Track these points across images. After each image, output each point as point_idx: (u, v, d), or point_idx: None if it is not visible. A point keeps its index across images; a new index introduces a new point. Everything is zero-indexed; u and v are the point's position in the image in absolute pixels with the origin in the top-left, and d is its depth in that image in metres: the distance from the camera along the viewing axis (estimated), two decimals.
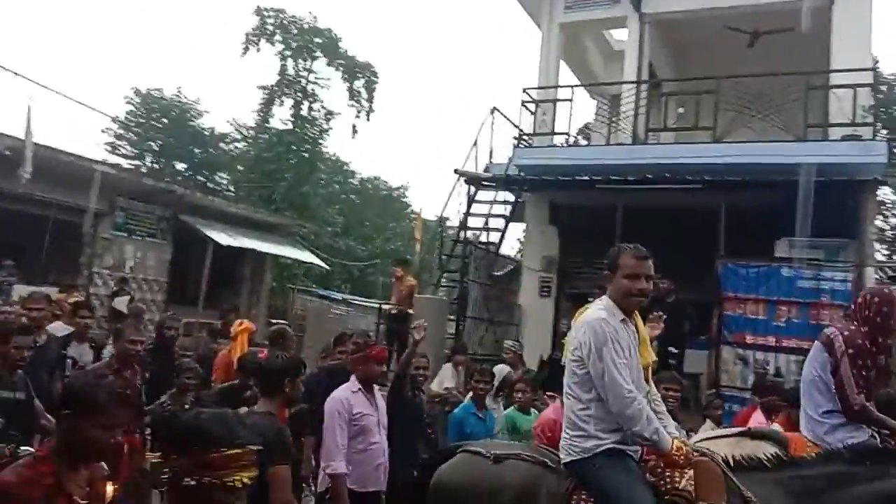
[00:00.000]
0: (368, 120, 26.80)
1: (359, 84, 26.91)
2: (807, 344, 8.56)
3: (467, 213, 12.14)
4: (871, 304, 3.84)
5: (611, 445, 3.08)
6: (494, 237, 12.62)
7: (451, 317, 10.93)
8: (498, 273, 12.25)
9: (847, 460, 3.15)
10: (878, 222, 20.35)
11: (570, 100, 12.02)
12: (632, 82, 11.79)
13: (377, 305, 15.31)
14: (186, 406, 5.01)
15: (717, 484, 3.07)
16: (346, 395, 4.41)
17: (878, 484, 2.99)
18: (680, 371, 9.04)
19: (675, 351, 9.23)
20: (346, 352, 5.41)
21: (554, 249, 11.74)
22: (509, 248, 16.05)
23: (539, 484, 3.28)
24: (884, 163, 9.50)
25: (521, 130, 12.14)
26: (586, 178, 10.41)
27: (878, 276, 8.99)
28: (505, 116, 12.37)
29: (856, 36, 10.40)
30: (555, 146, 11.99)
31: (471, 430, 5.27)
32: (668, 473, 3.13)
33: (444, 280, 12.20)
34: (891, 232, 20.46)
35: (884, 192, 19.75)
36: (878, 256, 18.44)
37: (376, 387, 4.66)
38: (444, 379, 7.50)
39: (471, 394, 5.79)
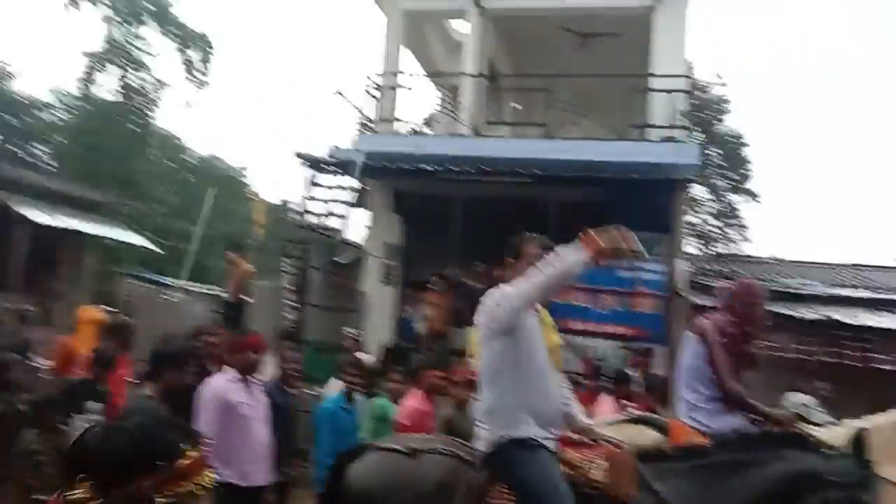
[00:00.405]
0: (202, 92, 25.47)
1: (193, 55, 25.45)
2: (626, 330, 9.46)
3: (309, 198, 11.93)
4: (738, 296, 4.16)
5: (525, 437, 3.07)
6: (337, 223, 12.51)
7: (292, 304, 10.71)
8: (341, 260, 12.15)
9: (742, 447, 3.21)
10: (692, 218, 22.51)
11: (411, 88, 12.19)
12: (470, 75, 12.10)
13: (214, 292, 14.70)
14: (22, 407, 4.60)
15: (628, 474, 3.17)
16: (222, 383, 4.26)
17: (779, 465, 3.06)
18: None
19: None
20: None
21: (397, 237, 11.85)
22: (354, 234, 15.97)
23: (457, 478, 3.23)
24: (695, 164, 10.46)
25: (364, 116, 12.10)
26: (428, 167, 10.59)
27: (688, 268, 9.89)
28: (349, 101, 12.27)
29: (673, 43, 11.26)
30: (398, 134, 12.08)
31: (340, 423, 5.19)
32: (583, 467, 3.19)
33: (284, 266, 11.93)
34: (703, 227, 22.62)
35: (696, 190, 21.87)
36: (692, 249, 20.43)
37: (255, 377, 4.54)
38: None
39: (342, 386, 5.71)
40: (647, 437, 3.97)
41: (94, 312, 6.60)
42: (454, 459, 3.30)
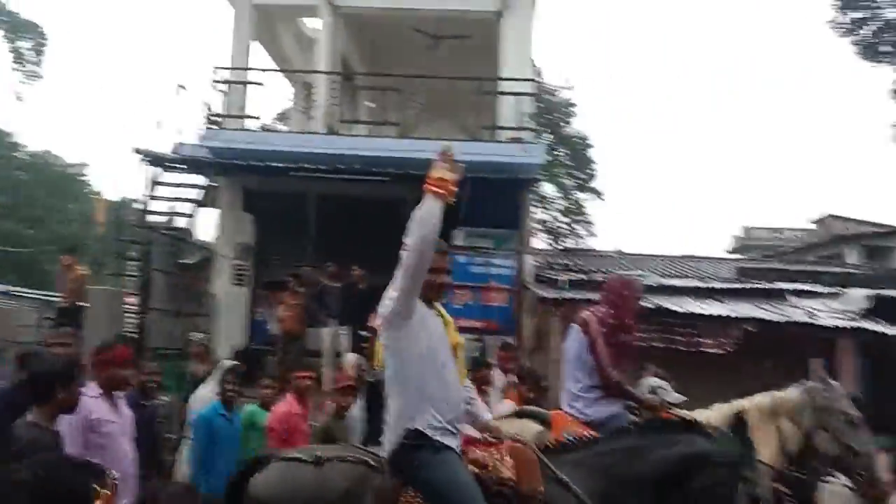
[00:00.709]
0: (35, 85, 23.39)
1: (24, 45, 23.32)
2: (479, 324, 9.69)
3: (151, 197, 11.25)
4: (615, 289, 4.30)
5: (426, 430, 2.99)
6: (183, 223, 11.91)
7: (135, 309, 10.07)
8: (188, 261, 11.57)
9: (636, 434, 3.32)
10: (542, 214, 23.48)
11: (262, 84, 11.81)
12: (323, 72, 11.92)
13: (47, 298, 13.55)
14: None
15: (535, 469, 3.15)
16: (85, 400, 3.85)
17: (670, 449, 3.17)
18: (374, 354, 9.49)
19: (367, 335, 9.64)
20: None
21: (249, 236, 11.45)
22: (203, 234, 15.25)
23: (365, 484, 3.11)
24: (541, 163, 10.89)
25: (211, 111, 11.57)
26: (280, 164, 10.31)
27: (535, 263, 10.29)
28: (195, 96, 11.70)
29: (520, 48, 11.66)
30: (249, 130, 11.67)
31: (218, 431, 4.91)
32: (490, 465, 3.13)
33: (126, 269, 11.20)
34: (553, 223, 23.67)
35: (545, 189, 22.87)
36: (541, 244, 21.34)
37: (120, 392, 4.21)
38: None
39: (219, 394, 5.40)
40: (531, 430, 4.07)
41: None
42: (361, 466, 3.19)
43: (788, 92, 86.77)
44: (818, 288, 8.95)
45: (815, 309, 8.21)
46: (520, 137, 10.74)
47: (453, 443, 3.08)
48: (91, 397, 3.99)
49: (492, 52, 11.79)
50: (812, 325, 8.01)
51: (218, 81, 11.46)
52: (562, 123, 23.26)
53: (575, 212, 23.27)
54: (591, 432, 3.60)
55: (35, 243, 24.66)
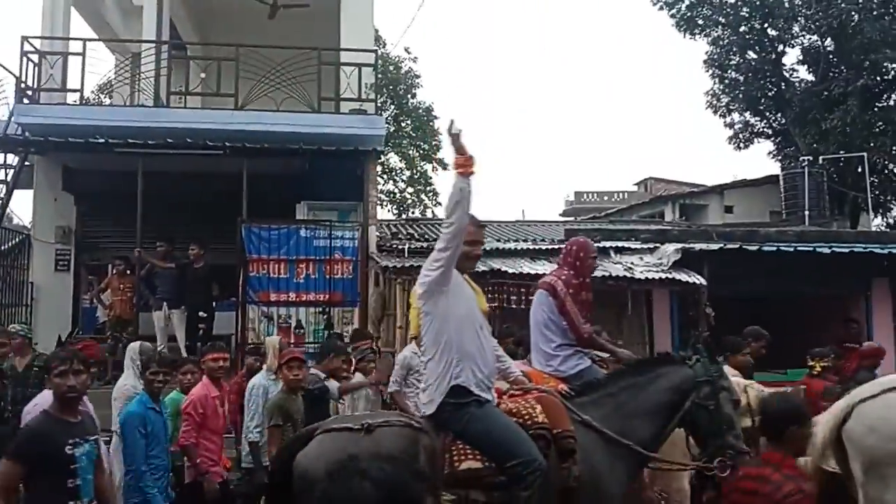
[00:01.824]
0: None
1: None
2: (323, 296, 9.63)
3: None
4: (572, 252, 4.56)
5: (467, 385, 3.29)
6: None
7: None
8: (1, 248, 10.57)
9: (631, 373, 3.92)
10: (389, 186, 23.53)
11: (83, 54, 10.87)
12: (151, 42, 11.17)
13: None
14: None
15: (563, 414, 3.54)
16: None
17: (664, 380, 3.83)
18: (210, 334, 9.17)
19: (205, 315, 9.30)
20: None
21: (70, 218, 10.65)
22: (19, 218, 13.94)
23: (416, 444, 3.24)
24: (382, 134, 10.88)
25: (23, 84, 10.51)
26: (102, 140, 9.59)
27: (379, 233, 10.33)
28: (3, 67, 10.56)
29: (361, 19, 11.50)
30: (68, 104, 10.74)
31: (151, 425, 4.55)
32: (525, 413, 3.46)
33: None
34: (399, 194, 23.77)
35: (391, 160, 22.91)
36: (388, 215, 21.41)
37: None
38: None
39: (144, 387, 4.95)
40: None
41: None
42: (407, 428, 3.31)
43: (615, 64, 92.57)
44: (636, 244, 9.71)
45: (632, 264, 8.92)
46: (362, 109, 10.66)
47: (490, 396, 3.43)
48: None
49: (332, 22, 11.57)
50: (628, 278, 8.71)
51: (29, 52, 10.42)
52: (407, 95, 23.31)
53: (420, 182, 23.52)
54: (566, 386, 3.91)
55: None
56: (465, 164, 3.23)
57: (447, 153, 22.66)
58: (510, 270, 8.46)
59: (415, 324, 3.66)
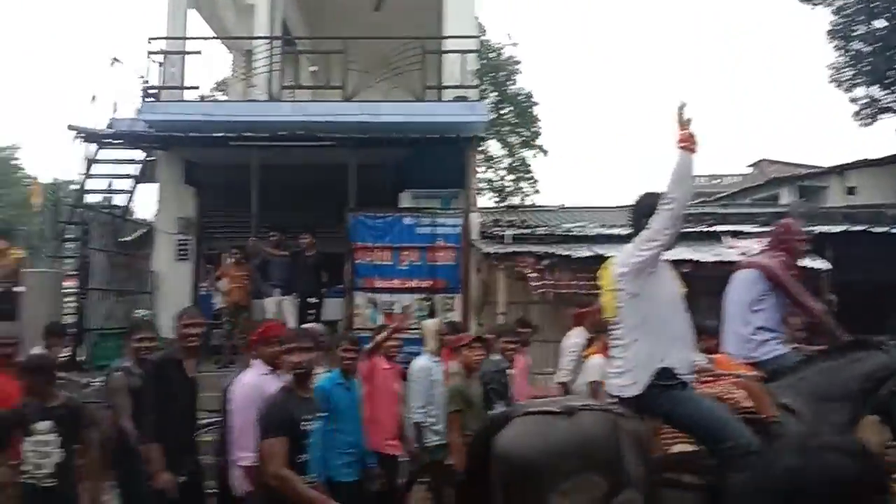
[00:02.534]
0: None
1: None
2: (426, 283, 9.75)
3: (87, 175, 10.90)
4: (784, 234, 4.51)
5: (675, 367, 3.25)
6: (122, 200, 11.59)
7: (74, 290, 9.82)
8: (126, 239, 11.30)
9: (828, 357, 3.77)
10: (489, 174, 23.50)
11: (200, 52, 11.46)
12: (264, 38, 11.62)
13: None
14: None
15: (766, 397, 3.49)
16: (257, 380, 3.98)
17: (859, 365, 3.64)
18: (318, 319, 9.46)
19: (315, 301, 9.61)
20: None
21: (191, 210, 11.23)
22: (142, 211, 14.85)
23: (618, 429, 3.21)
24: (485, 121, 10.85)
25: (148, 83, 11.19)
26: (220, 134, 10.07)
27: (481, 220, 10.32)
28: (130, 68, 11.28)
29: (463, 5, 11.53)
30: (187, 101, 11.34)
31: (337, 401, 4.70)
32: (729, 397, 3.43)
33: (64, 250, 10.89)
34: (499, 181, 23.71)
35: (491, 148, 22.85)
36: (488, 202, 21.39)
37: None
38: None
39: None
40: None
41: None
42: (608, 413, 3.28)
43: (726, 38, 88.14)
44: (752, 228, 9.22)
45: (748, 248, 8.47)
46: (464, 96, 10.67)
47: (690, 377, 3.38)
48: (261, 375, 4.07)
49: (435, 11, 11.64)
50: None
51: (154, 52, 11.08)
52: (507, 82, 23.17)
53: (520, 169, 23.35)
54: (755, 372, 3.83)
55: None
56: (688, 140, 3.20)
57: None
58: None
59: (610, 306, 3.51)
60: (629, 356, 3.36)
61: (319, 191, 10.44)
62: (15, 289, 8.87)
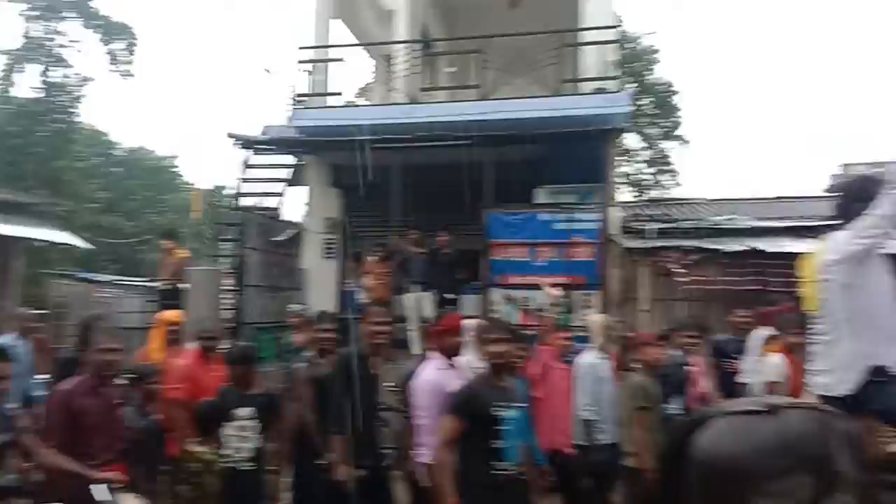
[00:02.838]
0: (128, 84, 24.59)
1: (117, 46, 24.57)
2: (564, 279, 9.58)
3: (244, 179, 11.70)
4: None
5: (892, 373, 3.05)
6: (274, 202, 12.32)
7: (231, 287, 10.52)
8: (278, 238, 11.98)
9: None
10: (626, 168, 22.80)
11: (342, 59, 11.98)
12: (402, 42, 11.94)
13: (147, 284, 14.34)
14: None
15: None
16: (436, 372, 4.09)
17: None
18: None
19: (452, 297, 9.72)
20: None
21: (336, 210, 11.72)
22: (290, 212, 15.69)
23: (828, 428, 3.00)
24: (626, 112, 10.52)
25: (297, 92, 11.85)
26: (363, 138, 10.44)
27: (621, 214, 10.02)
28: (280, 78, 12.02)
29: None
30: (332, 107, 11.88)
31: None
32: None
33: (221, 250, 11.72)
34: (636, 175, 22.95)
35: (629, 140, 22.16)
36: (627, 197, 20.77)
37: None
38: None
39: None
40: None
41: (170, 314, 6.34)
42: (814, 411, 3.03)
43: (878, 21, 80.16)
44: None
45: None
46: (603, 88, 10.42)
47: None
48: (440, 370, 4.14)
49: (571, 4, 11.47)
50: None
51: (303, 61, 11.72)
52: (645, 71, 22.40)
53: (660, 162, 22.48)
54: None
55: (134, 234, 26.32)
56: None
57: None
58: (771, 249, 7.71)
59: (813, 298, 3.28)
60: (837, 353, 3.11)
61: (456, 189, 10.54)
62: (180, 285, 9.64)
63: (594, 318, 6.10)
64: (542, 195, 10.34)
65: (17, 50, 22.84)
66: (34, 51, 22.96)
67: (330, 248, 11.53)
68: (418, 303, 9.67)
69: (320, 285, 11.15)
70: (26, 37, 22.90)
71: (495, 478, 3.42)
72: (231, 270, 10.52)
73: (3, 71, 22.84)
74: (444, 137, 10.15)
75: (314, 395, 4.78)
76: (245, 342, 6.80)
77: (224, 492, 4.41)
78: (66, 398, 3.85)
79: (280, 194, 12.27)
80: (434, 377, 4.07)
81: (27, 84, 23.23)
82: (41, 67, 23.14)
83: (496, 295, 9.54)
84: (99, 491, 3.54)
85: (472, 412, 3.43)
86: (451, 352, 4.18)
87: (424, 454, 3.95)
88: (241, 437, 4.50)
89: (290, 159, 12.38)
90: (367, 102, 15.18)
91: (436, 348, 4.25)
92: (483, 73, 10.90)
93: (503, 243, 9.63)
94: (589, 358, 5.52)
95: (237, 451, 4.47)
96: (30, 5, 22.65)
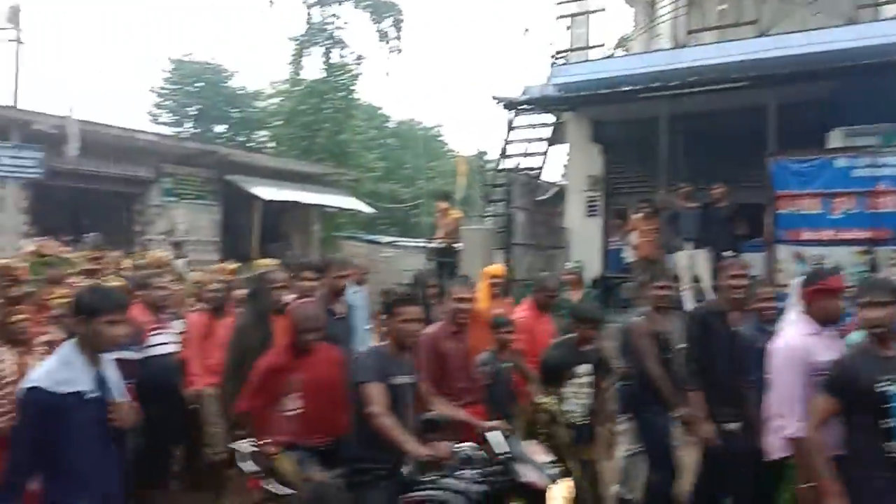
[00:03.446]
0: (397, 60, 26.29)
1: (386, 25, 26.40)
2: (866, 234, 8.42)
3: (507, 140, 11.98)
4: None
5: None
6: (537, 162, 12.47)
7: (500, 246, 10.91)
8: (542, 197, 12.12)
9: None
10: None
11: (604, 9, 11.63)
12: None
13: (423, 244, 15.38)
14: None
15: None
16: (801, 339, 3.58)
17: None
18: None
19: (731, 255, 9.05)
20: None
21: (598, 167, 11.51)
22: (552, 170, 15.79)
23: None
24: None
25: (556, 49, 11.79)
26: (627, 89, 10.06)
27: None
28: (539, 37, 12.06)
29: None
30: (592, 60, 11.61)
31: None
32: None
33: (488, 210, 12.17)
34: None
35: None
36: None
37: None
38: None
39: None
40: None
41: (495, 269, 6.54)
42: None
43: None
44: None
45: None
46: None
47: None
48: (806, 336, 3.61)
49: None
50: None
51: (562, 16, 11.61)
52: None
53: None
54: None
55: (408, 200, 28.49)
56: None
57: None
58: None
59: None
60: None
61: (733, 138, 9.76)
62: (454, 245, 10.21)
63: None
64: (836, 138, 9.16)
65: (303, 35, 25.61)
66: (316, 35, 25.56)
67: (593, 206, 11.40)
68: (691, 261, 9.17)
69: (585, 243, 11.09)
70: (308, 23, 25.57)
71: (889, 461, 3.00)
72: (500, 230, 10.89)
73: (293, 56, 25.79)
74: (716, 81, 9.42)
75: (657, 351, 4.77)
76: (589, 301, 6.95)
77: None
78: (433, 342, 4.25)
79: (543, 153, 12.37)
80: (799, 343, 3.60)
81: (313, 66, 26.00)
82: (322, 50, 25.73)
83: (783, 252, 8.64)
84: (496, 441, 3.51)
85: (849, 389, 3.05)
86: (825, 317, 3.62)
87: (781, 429, 3.55)
88: (579, 393, 4.69)
89: (550, 118, 12.39)
90: (627, 53, 14.64)
91: (808, 311, 3.67)
92: (760, 5, 9.88)
93: (791, 194, 8.67)
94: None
95: (576, 405, 4.67)
96: None
